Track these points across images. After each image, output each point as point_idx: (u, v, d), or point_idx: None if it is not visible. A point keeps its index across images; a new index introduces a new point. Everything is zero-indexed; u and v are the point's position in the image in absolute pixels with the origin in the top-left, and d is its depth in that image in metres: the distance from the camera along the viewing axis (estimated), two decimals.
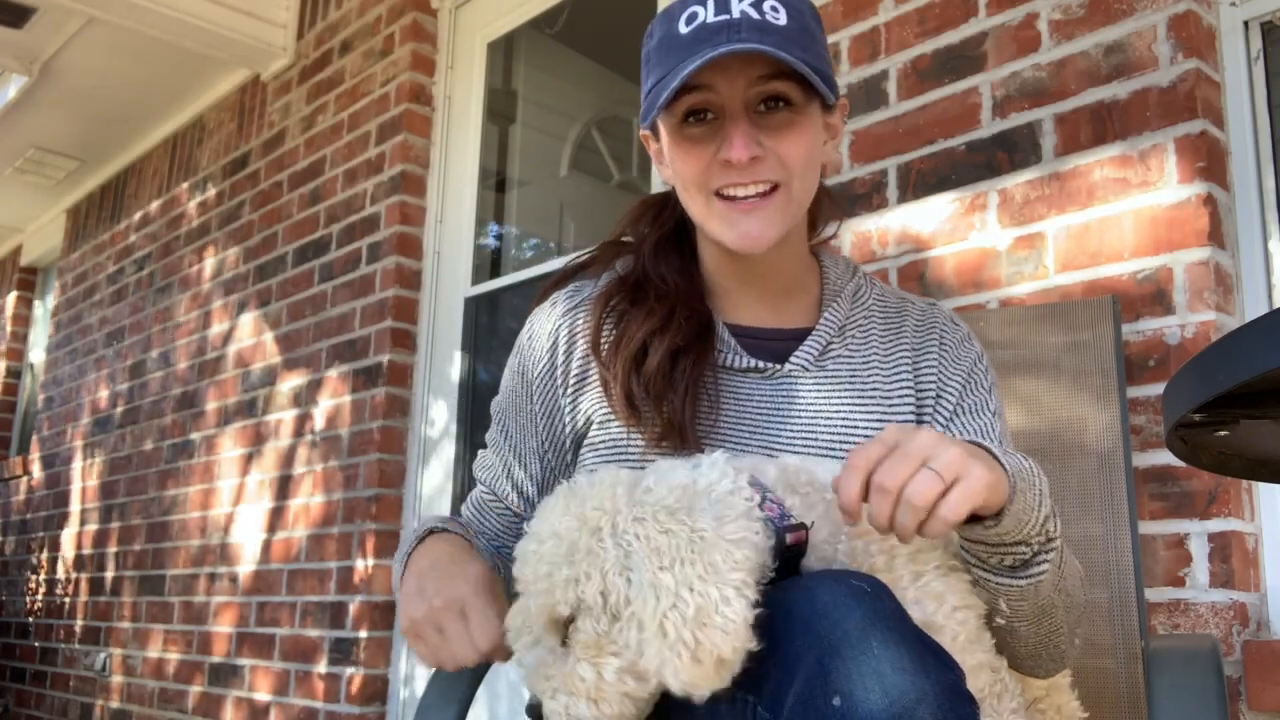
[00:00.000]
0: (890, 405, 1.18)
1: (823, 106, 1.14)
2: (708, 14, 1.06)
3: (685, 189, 1.15)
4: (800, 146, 1.11)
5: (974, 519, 0.91)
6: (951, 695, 0.76)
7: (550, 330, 1.23)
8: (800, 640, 0.79)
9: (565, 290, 1.26)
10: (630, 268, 1.24)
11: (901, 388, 1.19)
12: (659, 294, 1.18)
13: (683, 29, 1.07)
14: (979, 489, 0.85)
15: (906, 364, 1.21)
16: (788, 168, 1.11)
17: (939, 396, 1.20)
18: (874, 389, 1.18)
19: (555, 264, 3.06)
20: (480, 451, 1.33)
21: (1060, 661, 1.10)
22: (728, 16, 1.05)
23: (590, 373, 1.20)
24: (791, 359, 1.18)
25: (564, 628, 0.88)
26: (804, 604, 0.82)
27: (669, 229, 1.24)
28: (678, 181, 1.17)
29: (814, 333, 1.20)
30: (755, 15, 1.05)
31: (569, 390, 1.21)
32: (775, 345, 1.20)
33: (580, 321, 1.21)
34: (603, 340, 1.18)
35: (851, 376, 1.19)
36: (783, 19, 1.06)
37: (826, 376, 1.18)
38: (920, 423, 1.19)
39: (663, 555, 0.82)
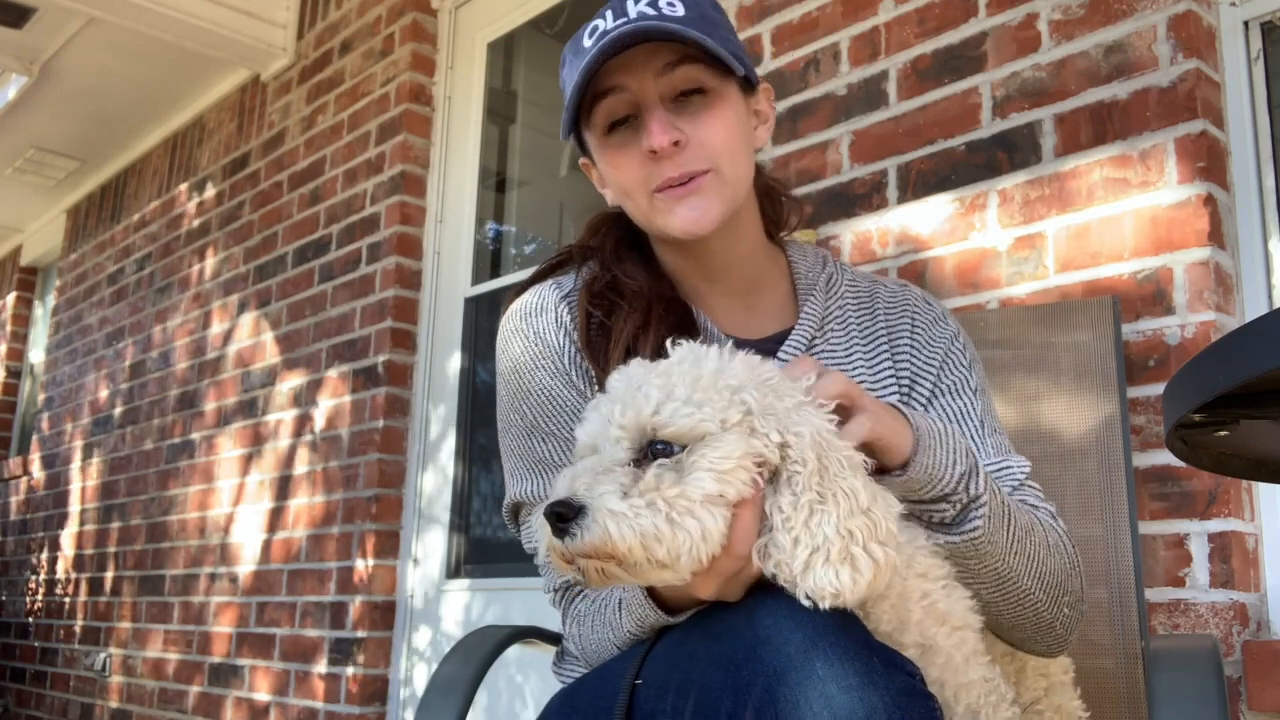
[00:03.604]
0: (875, 395, 1.18)
1: (744, 91, 1.17)
2: (607, 23, 1.11)
3: (628, 196, 1.17)
4: (720, 127, 1.13)
5: (881, 470, 0.95)
6: (904, 699, 0.77)
7: (557, 320, 1.21)
8: (746, 669, 0.81)
9: (547, 284, 1.25)
10: (596, 272, 1.24)
11: (884, 375, 1.20)
12: (632, 293, 1.19)
13: (586, 42, 1.12)
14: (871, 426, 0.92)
15: (885, 349, 1.22)
16: (711, 150, 1.12)
17: (914, 381, 1.20)
18: (859, 381, 1.19)
19: None
20: (526, 522, 1.20)
21: (1051, 636, 1.09)
22: (625, 19, 1.10)
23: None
24: (779, 354, 1.18)
25: (647, 449, 0.87)
26: (745, 629, 0.83)
27: (626, 236, 1.25)
28: (620, 194, 1.19)
29: (796, 328, 1.20)
30: (651, 11, 1.10)
31: (586, 379, 1.20)
32: (756, 347, 1.20)
33: (568, 316, 1.21)
34: (591, 338, 1.18)
35: (837, 370, 1.19)
36: (680, 10, 1.11)
37: None
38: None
39: (846, 466, 0.86)
